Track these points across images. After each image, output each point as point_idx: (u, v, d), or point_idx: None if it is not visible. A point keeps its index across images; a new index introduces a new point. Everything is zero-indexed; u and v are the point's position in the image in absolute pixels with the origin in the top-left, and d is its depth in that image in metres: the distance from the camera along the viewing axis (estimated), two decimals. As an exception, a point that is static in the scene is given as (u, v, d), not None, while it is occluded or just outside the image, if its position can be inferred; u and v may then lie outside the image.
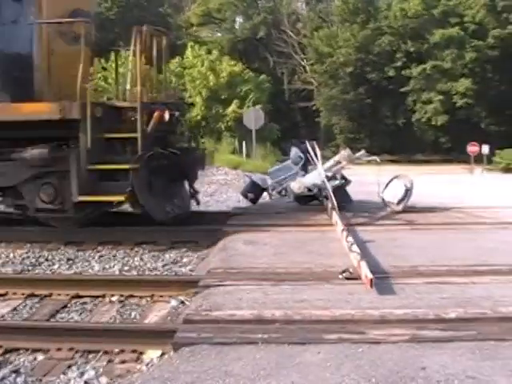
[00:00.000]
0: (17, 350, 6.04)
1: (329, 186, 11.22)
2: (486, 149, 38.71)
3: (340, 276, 6.89)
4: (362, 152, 13.08)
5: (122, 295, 7.60)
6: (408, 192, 11.53)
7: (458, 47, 48.56)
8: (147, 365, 5.57)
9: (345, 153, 12.26)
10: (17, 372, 5.62)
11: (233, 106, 39.03)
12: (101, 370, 5.60)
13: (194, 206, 11.97)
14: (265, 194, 13.67)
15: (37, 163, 10.45)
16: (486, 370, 4.47)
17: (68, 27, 10.96)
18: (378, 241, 8.95)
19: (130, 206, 11.54)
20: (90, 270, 9.11)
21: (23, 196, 10.82)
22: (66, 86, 10.54)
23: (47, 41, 10.73)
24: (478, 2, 48.34)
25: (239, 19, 63.87)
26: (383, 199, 11.65)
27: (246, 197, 13.46)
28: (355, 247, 7.67)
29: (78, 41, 10.46)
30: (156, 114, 10.40)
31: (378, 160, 12.96)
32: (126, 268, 9.18)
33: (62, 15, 10.88)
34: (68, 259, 9.63)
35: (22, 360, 5.86)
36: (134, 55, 10.64)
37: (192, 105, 34.36)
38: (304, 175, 12.65)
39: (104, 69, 29.26)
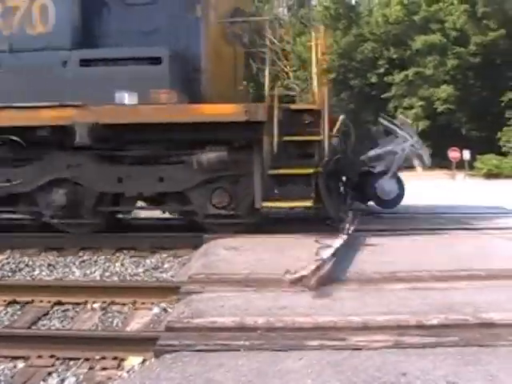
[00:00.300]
0: (-3, 357, 6.01)
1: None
2: (467, 154, 38.95)
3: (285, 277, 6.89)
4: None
5: (104, 302, 7.58)
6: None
7: (440, 54, 48.94)
8: (128, 372, 5.55)
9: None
10: (-4, 380, 5.60)
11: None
12: (81, 376, 5.57)
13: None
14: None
15: (213, 167, 10.18)
16: (467, 375, 4.48)
17: (229, 26, 10.88)
18: (357, 246, 8.98)
19: (307, 209, 11.11)
20: (70, 276, 9.08)
21: (191, 201, 10.52)
22: (225, 87, 10.65)
23: (214, 40, 10.70)
24: (458, 8, 48.69)
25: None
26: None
27: None
28: (326, 251, 7.65)
29: (237, 41, 10.68)
30: (341, 117, 10.57)
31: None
32: (106, 274, 9.16)
33: (225, 14, 10.87)
34: (49, 265, 9.58)
35: (1, 368, 5.83)
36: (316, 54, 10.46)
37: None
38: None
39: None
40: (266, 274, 7.33)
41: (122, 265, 9.56)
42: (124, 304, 7.54)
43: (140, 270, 9.32)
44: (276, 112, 9.91)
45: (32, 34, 10.45)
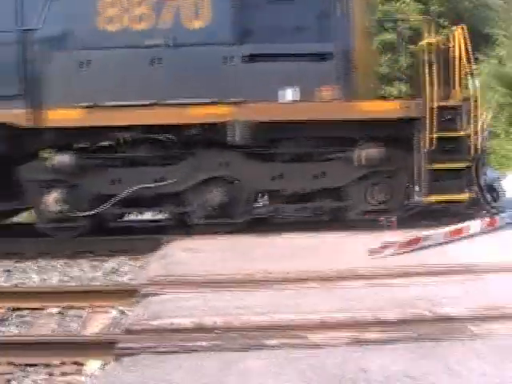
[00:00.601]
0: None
1: None
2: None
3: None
4: None
5: (61, 306, 7.51)
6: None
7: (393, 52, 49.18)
8: (88, 376, 5.51)
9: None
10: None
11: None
12: (41, 383, 5.52)
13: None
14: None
15: (372, 163, 10.38)
16: (425, 369, 4.53)
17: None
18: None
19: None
20: (28, 282, 8.99)
21: (349, 197, 10.65)
22: (374, 83, 10.61)
23: (362, 36, 10.67)
24: (412, 7, 49.10)
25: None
26: None
27: None
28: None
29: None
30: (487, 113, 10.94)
31: None
32: (65, 278, 9.08)
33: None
34: (6, 270, 9.47)
35: (-42, 376, 5.75)
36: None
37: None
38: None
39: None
40: (224, 274, 7.36)
41: (81, 269, 9.49)
42: (82, 308, 7.47)
43: (99, 273, 9.25)
44: (431, 109, 10.19)
45: (190, 27, 10.24)
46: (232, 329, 5.45)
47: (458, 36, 10.36)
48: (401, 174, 10.62)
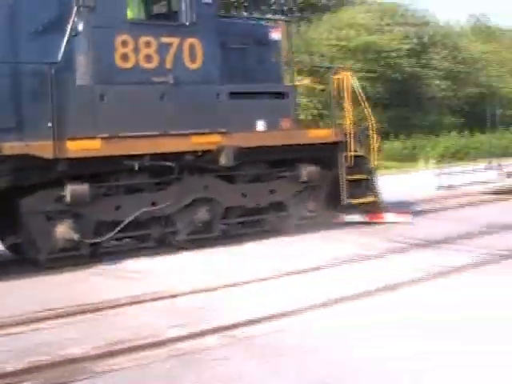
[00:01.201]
0: None
1: None
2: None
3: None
4: None
5: None
6: None
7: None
8: None
9: None
10: None
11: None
12: None
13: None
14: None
15: (311, 179, 13.37)
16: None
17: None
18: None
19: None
20: None
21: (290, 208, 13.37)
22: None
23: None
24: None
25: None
26: None
27: None
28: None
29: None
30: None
31: None
32: None
33: None
34: None
35: None
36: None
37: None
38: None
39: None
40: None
41: None
42: None
43: None
44: (352, 133, 13.83)
45: (190, 68, 11.87)
46: None
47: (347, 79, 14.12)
48: (329, 185, 13.78)
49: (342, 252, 10.96)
